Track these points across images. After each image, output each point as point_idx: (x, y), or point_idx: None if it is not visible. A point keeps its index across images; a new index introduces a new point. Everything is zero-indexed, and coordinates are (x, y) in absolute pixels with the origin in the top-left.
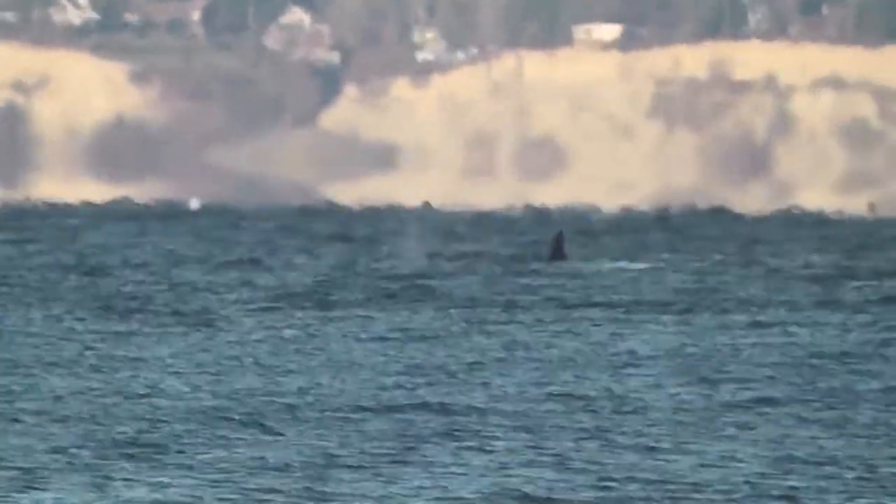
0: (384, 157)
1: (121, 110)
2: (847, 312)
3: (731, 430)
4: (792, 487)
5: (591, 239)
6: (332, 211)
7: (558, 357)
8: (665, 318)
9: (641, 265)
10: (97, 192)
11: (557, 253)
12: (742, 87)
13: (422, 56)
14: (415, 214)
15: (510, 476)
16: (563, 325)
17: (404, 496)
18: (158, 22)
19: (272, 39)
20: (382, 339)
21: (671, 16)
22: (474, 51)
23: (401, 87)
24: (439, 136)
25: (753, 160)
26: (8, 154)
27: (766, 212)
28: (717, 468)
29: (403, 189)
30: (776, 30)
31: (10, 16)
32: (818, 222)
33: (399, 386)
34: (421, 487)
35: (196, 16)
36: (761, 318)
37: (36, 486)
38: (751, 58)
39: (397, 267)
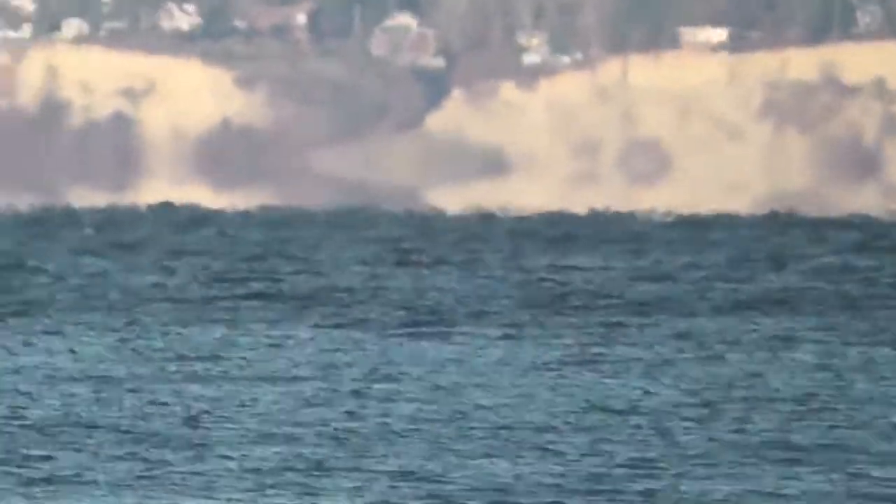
0: (491, 162)
1: (227, 115)
2: None
3: None
4: None
5: None
6: None
7: None
8: None
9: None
10: (205, 197)
11: None
12: (851, 91)
13: (528, 60)
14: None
15: None
16: None
17: None
18: (263, 27)
19: (377, 44)
20: None
21: (779, 18)
22: (579, 55)
23: (507, 90)
24: (546, 141)
25: (863, 163)
26: (116, 160)
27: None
28: None
29: (510, 194)
30: (887, 31)
31: (119, 24)
32: None
33: None
34: None
35: (301, 20)
36: None
37: None
38: (860, 60)
39: None
